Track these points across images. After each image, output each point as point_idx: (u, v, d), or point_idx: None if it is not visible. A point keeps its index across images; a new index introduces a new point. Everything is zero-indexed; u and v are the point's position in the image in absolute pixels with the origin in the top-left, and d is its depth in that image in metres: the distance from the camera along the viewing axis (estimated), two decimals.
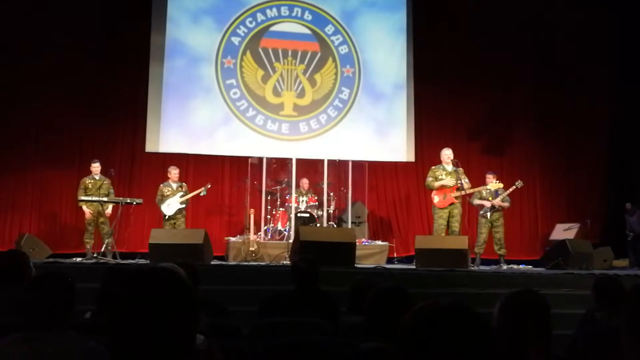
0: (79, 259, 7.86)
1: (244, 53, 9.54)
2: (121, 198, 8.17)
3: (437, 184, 7.91)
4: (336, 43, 9.82)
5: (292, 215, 8.83)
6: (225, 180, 9.85)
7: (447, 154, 8.08)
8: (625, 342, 1.60)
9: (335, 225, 9.12)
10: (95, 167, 8.20)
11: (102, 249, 7.82)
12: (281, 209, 9.13)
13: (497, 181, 8.20)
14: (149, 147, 9.16)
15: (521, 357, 1.90)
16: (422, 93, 10.05)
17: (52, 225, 9.15)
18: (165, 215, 8.33)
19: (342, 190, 9.59)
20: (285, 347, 2.47)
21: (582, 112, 10.73)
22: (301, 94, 9.66)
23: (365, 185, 9.69)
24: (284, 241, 8.57)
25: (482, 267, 8.02)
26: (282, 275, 5.08)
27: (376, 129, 9.76)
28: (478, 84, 10.38)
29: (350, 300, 3.32)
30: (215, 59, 9.44)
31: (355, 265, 7.07)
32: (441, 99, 10.31)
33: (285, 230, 8.89)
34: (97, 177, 8.19)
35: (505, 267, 8.09)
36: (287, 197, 9.22)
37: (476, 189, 8.17)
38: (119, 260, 7.53)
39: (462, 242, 7.33)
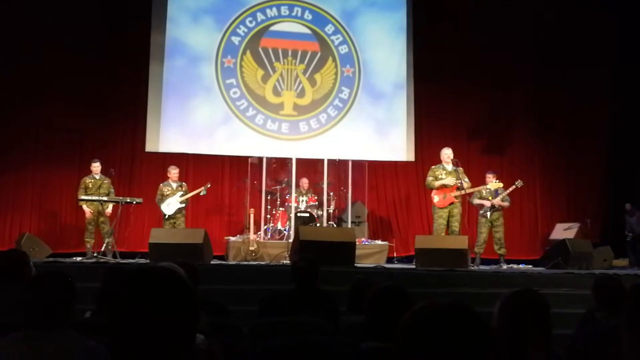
0: (79, 259, 7.87)
1: (244, 53, 9.54)
2: (121, 197, 8.17)
3: (437, 183, 7.90)
4: (336, 43, 9.82)
5: (292, 215, 8.83)
6: (225, 179, 9.85)
7: (447, 153, 8.08)
8: (625, 341, 1.60)
9: (335, 225, 9.12)
10: (96, 166, 8.20)
11: (102, 249, 7.82)
12: (281, 208, 9.13)
13: (497, 181, 8.20)
14: (149, 147, 9.16)
15: (521, 356, 1.90)
16: (422, 93, 10.05)
17: (52, 224, 9.15)
18: (165, 215, 8.33)
19: (342, 190, 9.59)
20: (285, 347, 2.48)
21: (582, 112, 10.73)
22: (301, 94, 9.66)
23: (365, 185, 9.69)
24: (284, 241, 8.57)
25: (482, 267, 8.02)
26: (282, 275, 5.08)
27: (376, 128, 9.76)
28: (478, 84, 10.38)
29: (350, 300, 3.32)
30: (215, 59, 9.44)
31: (355, 264, 7.07)
32: (441, 98, 10.31)
33: (285, 230, 8.89)
34: (97, 177, 8.20)
35: (505, 266, 8.09)
36: (287, 197, 9.22)
37: (476, 189, 8.18)
38: (119, 260, 7.54)
39: (462, 242, 7.33)
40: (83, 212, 8.17)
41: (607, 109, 10.90)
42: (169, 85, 9.22)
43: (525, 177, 8.93)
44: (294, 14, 9.78)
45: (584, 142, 10.74)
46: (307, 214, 8.88)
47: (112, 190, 8.31)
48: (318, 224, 8.77)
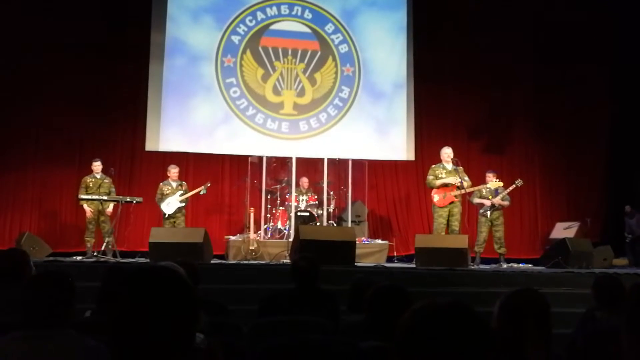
0: (79, 258, 7.88)
1: (244, 52, 9.53)
2: (121, 197, 8.17)
3: (438, 182, 7.90)
4: (336, 42, 9.82)
5: (292, 214, 8.83)
6: (225, 179, 9.86)
7: (447, 152, 8.08)
8: (625, 341, 1.60)
9: (335, 224, 9.13)
10: (97, 165, 8.21)
11: (102, 248, 7.82)
12: (281, 207, 9.13)
13: (497, 180, 8.20)
14: (149, 146, 9.15)
15: (521, 356, 1.90)
16: (422, 92, 10.05)
17: (52, 224, 9.16)
18: (165, 214, 8.33)
19: (342, 189, 9.60)
20: (285, 346, 2.47)
21: (582, 112, 10.73)
22: (301, 93, 9.65)
23: (365, 184, 9.69)
24: (284, 240, 8.57)
25: (482, 266, 8.02)
26: (282, 274, 5.08)
27: (376, 127, 9.76)
28: (478, 83, 10.38)
29: (350, 299, 3.32)
30: (215, 58, 9.43)
31: (355, 264, 7.07)
32: (441, 98, 10.32)
33: (285, 229, 8.89)
34: (98, 176, 8.20)
35: (505, 266, 8.10)
36: (287, 196, 9.23)
37: (476, 188, 8.18)
38: (119, 259, 7.54)
39: (462, 241, 7.33)
40: (83, 211, 8.17)
41: (607, 109, 10.90)
42: (169, 84, 9.22)
43: (525, 177, 8.92)
44: (294, 13, 9.77)
45: (584, 142, 10.74)
46: (307, 213, 8.88)
47: (113, 189, 8.31)
48: (318, 223, 8.77)
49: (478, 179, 8.34)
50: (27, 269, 3.13)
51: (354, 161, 9.46)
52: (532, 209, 10.56)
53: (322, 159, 9.30)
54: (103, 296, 2.93)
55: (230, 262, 8.12)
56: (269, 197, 9.19)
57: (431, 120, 10.28)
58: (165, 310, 1.15)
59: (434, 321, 1.07)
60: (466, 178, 7.97)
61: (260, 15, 9.67)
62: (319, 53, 9.72)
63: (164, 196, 8.35)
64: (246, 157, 9.38)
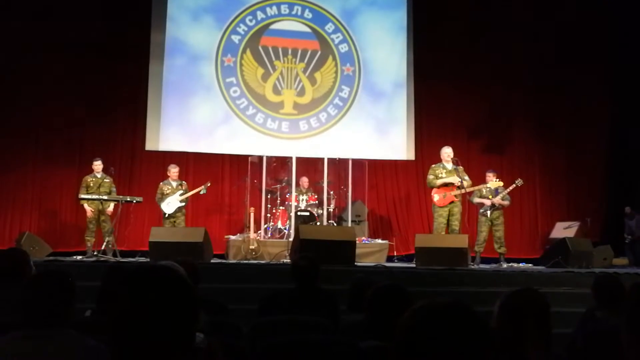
0: (79, 258, 7.88)
1: (244, 51, 9.53)
2: (121, 196, 8.17)
3: (439, 181, 7.90)
4: (336, 41, 9.81)
5: (292, 214, 8.83)
6: (225, 178, 9.86)
7: (447, 152, 8.07)
8: (625, 340, 1.60)
9: (335, 224, 9.13)
10: (97, 165, 8.21)
11: (103, 247, 7.82)
12: (281, 207, 9.13)
13: (497, 179, 8.20)
14: (149, 146, 9.15)
15: (521, 355, 1.90)
16: (423, 91, 10.04)
17: (52, 223, 9.16)
18: (165, 214, 8.33)
19: (342, 189, 9.60)
20: (285, 346, 2.48)
21: (582, 112, 10.73)
22: (301, 93, 9.65)
23: (365, 184, 9.70)
24: (284, 239, 8.57)
25: (482, 266, 8.03)
26: (282, 274, 5.08)
27: (376, 127, 9.75)
28: (478, 83, 10.38)
29: (350, 299, 3.32)
30: (215, 57, 9.43)
31: (355, 263, 7.07)
32: (441, 97, 10.32)
33: (285, 229, 8.89)
34: (98, 175, 8.20)
35: (505, 265, 8.10)
36: (287, 196, 9.23)
37: (476, 187, 8.17)
38: (119, 259, 7.55)
39: (462, 241, 7.33)
40: (83, 211, 8.18)
41: (607, 109, 10.90)
42: (169, 84, 9.21)
43: (525, 176, 8.92)
44: (294, 12, 9.77)
45: (584, 142, 10.74)
46: (307, 213, 8.88)
47: (114, 189, 8.31)
48: (318, 223, 8.77)
49: (478, 179, 8.34)
50: (27, 269, 3.13)
51: (354, 161, 9.47)
52: (532, 209, 10.56)
53: (322, 159, 9.30)
54: (103, 296, 2.93)
55: (231, 261, 8.13)
56: (269, 196, 9.19)
57: (431, 120, 10.28)
58: (165, 310, 1.15)
59: (434, 321, 1.07)
60: (466, 177, 7.97)
61: (260, 15, 9.67)
62: (319, 52, 9.72)
63: (164, 196, 8.35)
64: (246, 156, 9.39)
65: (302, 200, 9.08)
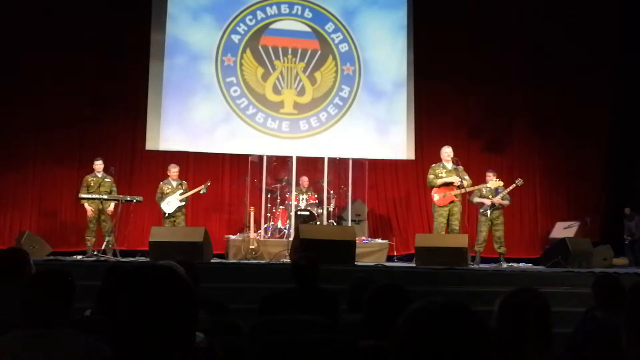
0: (79, 257, 7.88)
1: (244, 51, 9.53)
2: (121, 196, 8.17)
3: (439, 181, 7.90)
4: (336, 41, 9.81)
5: (292, 213, 8.83)
6: (225, 178, 9.86)
7: (447, 151, 8.07)
8: (625, 339, 1.60)
9: (335, 223, 9.13)
10: (98, 164, 8.22)
11: (103, 247, 7.82)
12: (281, 207, 9.13)
13: (497, 179, 8.20)
14: (149, 145, 9.15)
15: (521, 355, 1.90)
16: (423, 91, 10.04)
17: (52, 223, 9.16)
18: (165, 213, 8.33)
19: (342, 188, 9.60)
20: (285, 345, 2.48)
21: (582, 112, 10.73)
22: (301, 92, 9.65)
23: (365, 183, 9.70)
24: (284, 239, 8.57)
25: (482, 266, 8.03)
26: (282, 273, 5.09)
27: (376, 126, 9.75)
28: (478, 82, 10.38)
29: (349, 298, 3.32)
30: (215, 57, 9.43)
31: (355, 263, 7.07)
32: (441, 97, 10.31)
33: (285, 228, 8.89)
34: (99, 175, 8.21)
35: (505, 265, 8.10)
36: (287, 195, 9.23)
37: (476, 187, 8.18)
38: (119, 258, 7.55)
39: (462, 241, 7.33)
40: (83, 210, 8.18)
41: (607, 109, 10.90)
42: (169, 83, 9.21)
43: (525, 176, 8.92)
44: (294, 12, 9.76)
45: (584, 141, 10.73)
46: (307, 212, 8.88)
47: (115, 188, 8.31)
48: (318, 223, 8.77)
49: (478, 178, 8.34)
50: (27, 268, 3.13)
51: (354, 160, 9.47)
52: (532, 209, 10.56)
53: (322, 158, 9.30)
54: (103, 295, 2.93)
55: (231, 261, 8.13)
56: (269, 196, 9.19)
57: (431, 120, 10.28)
58: (164, 309, 1.15)
59: (433, 320, 1.07)
60: (466, 177, 7.97)
61: (260, 15, 9.66)
62: (319, 52, 9.72)
63: (164, 195, 8.35)
64: (246, 156, 9.39)
65: (302, 199, 9.08)
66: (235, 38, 9.53)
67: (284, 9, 9.74)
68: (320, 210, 9.10)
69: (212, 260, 7.48)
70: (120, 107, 9.47)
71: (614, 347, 1.82)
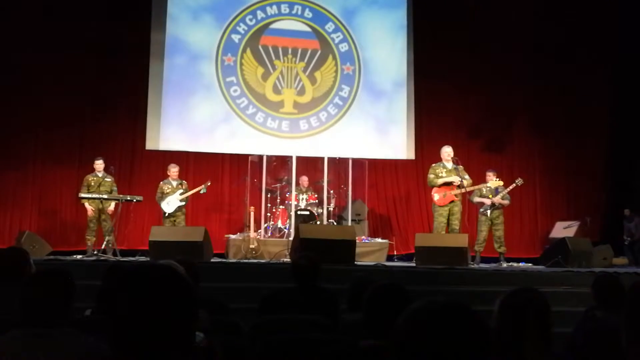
0: (79, 257, 7.88)
1: (244, 51, 9.53)
2: (121, 195, 8.17)
3: (440, 180, 7.90)
4: (336, 41, 9.81)
5: (292, 213, 8.83)
6: (225, 177, 9.86)
7: (447, 151, 8.07)
8: (625, 339, 1.60)
9: (335, 223, 9.13)
10: (99, 164, 8.22)
11: (103, 246, 7.82)
12: (281, 206, 9.14)
13: (497, 179, 8.20)
14: (149, 145, 9.15)
15: (521, 355, 1.90)
16: (423, 91, 10.04)
17: (52, 222, 9.16)
18: (165, 213, 8.34)
19: (342, 188, 9.60)
20: (285, 344, 2.48)
21: (582, 112, 10.73)
22: (301, 92, 9.65)
23: (365, 183, 9.70)
24: (284, 239, 8.58)
25: (482, 265, 8.03)
26: (282, 273, 5.09)
27: (376, 126, 9.75)
28: (478, 82, 10.38)
29: (349, 298, 3.32)
30: (215, 57, 9.43)
31: (355, 262, 7.07)
32: (441, 96, 10.31)
33: (285, 228, 8.90)
34: (100, 174, 8.21)
35: (505, 265, 8.10)
36: (287, 195, 9.23)
37: (476, 187, 8.18)
38: (119, 258, 7.55)
39: (462, 240, 7.33)
40: (83, 209, 8.18)
41: (607, 109, 10.90)
42: (169, 83, 9.21)
43: (525, 176, 8.92)
44: (294, 12, 9.76)
45: (584, 141, 10.74)
46: (307, 212, 8.88)
47: (115, 188, 8.31)
48: (318, 222, 8.78)
49: (478, 178, 8.34)
50: (27, 268, 3.13)
51: (354, 160, 9.47)
52: (532, 208, 10.56)
53: (322, 158, 9.30)
54: (103, 295, 2.93)
55: (231, 260, 8.13)
56: (269, 195, 9.19)
57: (431, 119, 10.28)
58: (164, 309, 1.15)
59: (433, 320, 1.07)
60: (466, 177, 7.97)
61: (260, 14, 9.66)
62: (319, 52, 9.71)
63: (164, 195, 8.36)
64: (246, 156, 9.39)
65: (302, 199, 9.08)
66: (236, 38, 9.53)
67: (284, 8, 9.74)
68: (320, 210, 9.10)
69: (212, 260, 7.48)
70: (120, 107, 9.47)
71: (613, 346, 1.82)
